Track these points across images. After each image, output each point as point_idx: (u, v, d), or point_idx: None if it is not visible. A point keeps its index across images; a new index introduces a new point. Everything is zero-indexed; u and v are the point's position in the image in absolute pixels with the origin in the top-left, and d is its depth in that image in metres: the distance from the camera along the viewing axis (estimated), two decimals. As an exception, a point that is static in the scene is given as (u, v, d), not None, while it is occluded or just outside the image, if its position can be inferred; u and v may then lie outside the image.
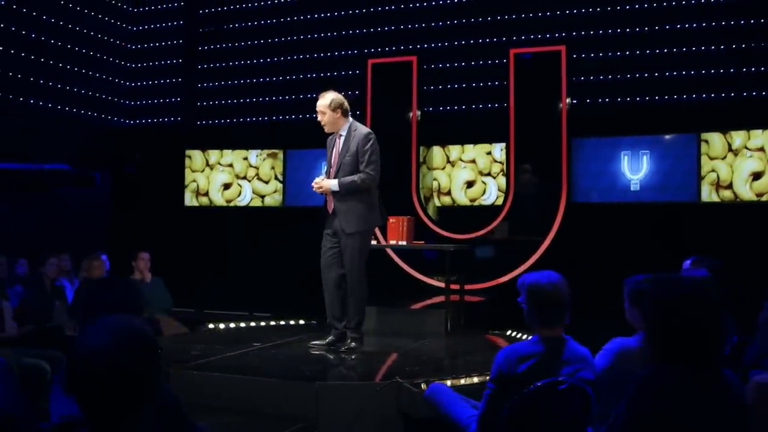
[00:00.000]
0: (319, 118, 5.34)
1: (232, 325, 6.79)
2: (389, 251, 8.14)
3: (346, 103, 5.35)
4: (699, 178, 7.65)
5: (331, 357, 5.20)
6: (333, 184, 5.23)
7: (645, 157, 7.93)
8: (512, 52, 8.16)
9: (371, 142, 5.26)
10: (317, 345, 5.38)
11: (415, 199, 8.47)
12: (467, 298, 7.20)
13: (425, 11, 8.97)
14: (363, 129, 5.36)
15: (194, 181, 9.68)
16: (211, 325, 6.73)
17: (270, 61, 9.71)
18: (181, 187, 9.65)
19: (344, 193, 5.22)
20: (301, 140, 8.97)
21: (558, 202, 7.92)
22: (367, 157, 5.23)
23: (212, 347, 5.45)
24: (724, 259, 6.76)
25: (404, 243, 6.65)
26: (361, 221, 5.26)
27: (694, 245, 7.13)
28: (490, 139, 8.41)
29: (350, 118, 5.41)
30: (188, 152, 9.65)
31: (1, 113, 8.46)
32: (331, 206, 5.29)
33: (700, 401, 2.20)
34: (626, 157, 8.01)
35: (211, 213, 9.58)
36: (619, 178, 8.01)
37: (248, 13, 9.88)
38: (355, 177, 5.22)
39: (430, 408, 3.53)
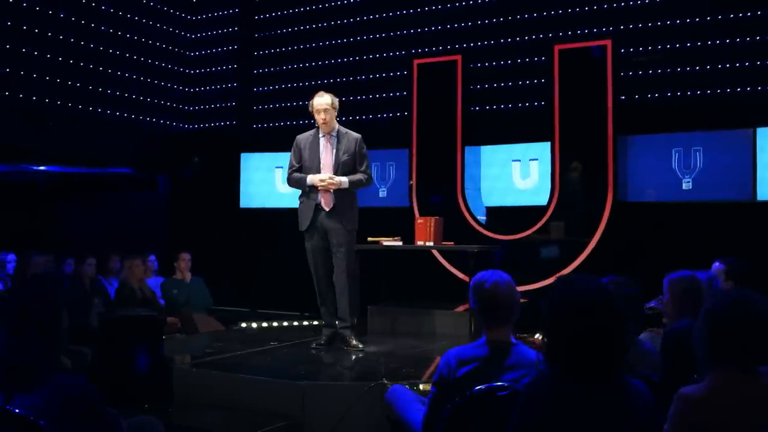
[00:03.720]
0: (322, 117, 5.43)
1: (264, 324, 6.94)
2: (435, 253, 8.08)
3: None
4: (754, 175, 7.23)
5: (335, 357, 5.23)
6: (343, 180, 5.31)
7: (697, 154, 7.56)
8: (557, 48, 7.95)
9: (365, 146, 5.53)
10: (320, 345, 5.46)
11: (460, 198, 8.38)
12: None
13: (469, 10, 8.86)
14: (354, 132, 5.55)
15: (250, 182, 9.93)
16: (243, 324, 6.89)
17: (321, 64, 9.82)
18: (237, 189, 9.89)
19: (351, 190, 5.32)
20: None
21: (604, 202, 7.66)
22: (366, 159, 5.47)
23: (229, 345, 5.61)
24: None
25: (431, 244, 6.60)
26: (356, 218, 5.50)
27: (748, 246, 6.78)
28: (535, 138, 8.21)
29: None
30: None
31: (69, 121, 8.91)
32: (330, 203, 5.34)
33: (591, 410, 2.09)
34: (677, 154, 7.66)
35: (266, 215, 9.77)
36: (670, 176, 7.66)
37: (299, 17, 10.02)
38: (359, 176, 5.40)
39: (389, 411, 3.49)
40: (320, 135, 5.49)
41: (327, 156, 5.44)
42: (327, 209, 5.36)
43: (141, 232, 9.82)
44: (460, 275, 8.09)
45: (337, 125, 5.52)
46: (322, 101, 5.44)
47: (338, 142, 5.44)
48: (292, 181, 5.57)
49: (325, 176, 5.32)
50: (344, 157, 5.40)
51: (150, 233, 9.85)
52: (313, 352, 5.43)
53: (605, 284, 2.23)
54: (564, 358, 2.15)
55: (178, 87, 10.46)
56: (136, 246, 7.94)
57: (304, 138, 5.58)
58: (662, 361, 3.45)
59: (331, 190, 5.33)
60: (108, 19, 9.37)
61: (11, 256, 6.73)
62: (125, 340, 4.59)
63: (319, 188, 5.34)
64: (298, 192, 5.61)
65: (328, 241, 5.38)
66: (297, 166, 5.52)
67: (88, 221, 9.71)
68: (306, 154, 5.49)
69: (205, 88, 10.62)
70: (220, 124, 10.50)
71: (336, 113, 5.47)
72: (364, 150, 5.49)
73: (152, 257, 7.84)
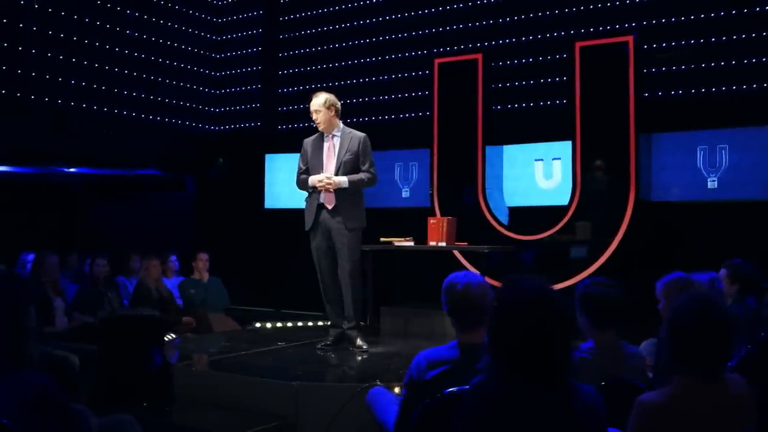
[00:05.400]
0: (314, 117, 5.50)
1: (279, 324, 6.96)
2: (456, 253, 8.01)
3: (339, 104, 5.45)
4: (782, 174, 6.99)
5: (339, 358, 5.22)
6: (342, 180, 5.30)
7: (723, 152, 7.35)
8: (578, 45, 7.80)
9: (369, 144, 5.49)
10: (327, 346, 5.45)
11: (481, 198, 8.29)
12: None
13: (489, 8, 8.78)
14: (359, 132, 5.53)
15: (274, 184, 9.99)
16: (257, 324, 6.92)
17: (344, 64, 9.84)
18: (261, 190, 9.95)
19: (351, 189, 5.30)
20: (374, 143, 9.02)
21: (626, 201, 7.50)
22: (369, 158, 5.43)
23: (237, 345, 5.64)
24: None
25: (443, 244, 6.54)
26: (361, 218, 5.46)
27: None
28: (558, 137, 8.07)
29: (341, 122, 5.55)
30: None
31: (97, 123, 9.08)
32: (332, 202, 5.34)
33: (534, 413, 2.04)
34: (703, 152, 7.45)
35: (291, 215, 9.79)
36: (696, 175, 7.46)
37: (323, 18, 10.06)
38: (361, 175, 5.39)
39: (369, 413, 3.46)
40: (324, 136, 5.51)
41: (329, 156, 5.47)
42: (329, 207, 5.36)
43: (168, 232, 9.95)
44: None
45: (339, 125, 5.51)
46: (315, 102, 5.48)
47: (341, 141, 5.44)
48: (300, 184, 5.64)
49: (322, 176, 5.34)
50: (346, 156, 5.40)
51: (177, 233, 9.98)
52: (319, 352, 5.43)
53: (549, 286, 2.15)
54: (507, 360, 2.09)
55: (204, 89, 10.59)
56: (163, 246, 8.04)
57: (309, 141, 5.63)
58: (655, 366, 3.37)
59: (332, 190, 5.33)
60: (134, 23, 9.54)
61: (31, 256, 6.87)
62: (125, 339, 4.65)
63: (318, 188, 5.36)
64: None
65: (331, 240, 5.38)
66: (304, 168, 5.56)
67: (117, 222, 9.86)
68: (310, 156, 5.52)
69: (230, 89, 10.73)
70: (245, 125, 10.60)
71: (334, 113, 5.45)
72: (369, 149, 5.47)
73: (173, 257, 7.92)
